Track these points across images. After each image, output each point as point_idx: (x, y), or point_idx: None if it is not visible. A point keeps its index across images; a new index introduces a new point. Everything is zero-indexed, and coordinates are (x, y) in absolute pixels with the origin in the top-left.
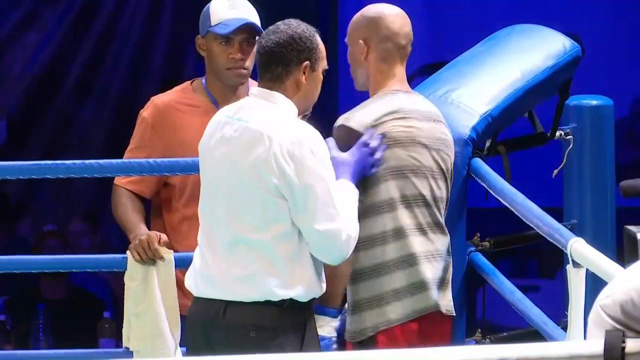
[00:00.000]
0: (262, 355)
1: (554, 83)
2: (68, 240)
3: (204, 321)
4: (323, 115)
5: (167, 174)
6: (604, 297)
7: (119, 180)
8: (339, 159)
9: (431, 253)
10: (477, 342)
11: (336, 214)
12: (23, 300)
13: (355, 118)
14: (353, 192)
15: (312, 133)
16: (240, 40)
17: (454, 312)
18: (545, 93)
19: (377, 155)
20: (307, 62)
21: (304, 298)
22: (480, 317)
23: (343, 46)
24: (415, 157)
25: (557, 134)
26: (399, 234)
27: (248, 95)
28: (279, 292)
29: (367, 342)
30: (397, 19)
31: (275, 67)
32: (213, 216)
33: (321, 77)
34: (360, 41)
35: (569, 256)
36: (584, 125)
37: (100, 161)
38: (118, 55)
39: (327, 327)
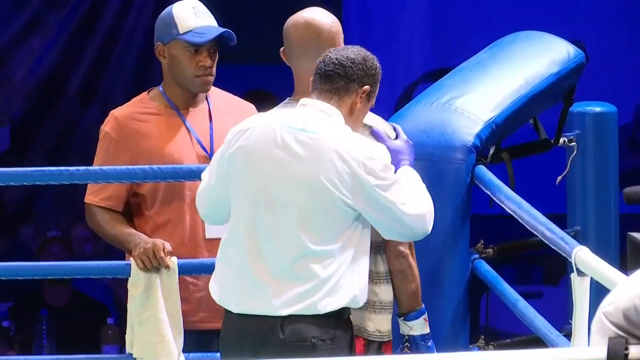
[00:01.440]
0: None
1: (558, 90)
2: (72, 246)
3: (255, 339)
4: None
5: (170, 180)
6: (607, 305)
7: (91, 199)
8: (393, 146)
9: None
10: (481, 349)
11: (414, 198)
12: (26, 306)
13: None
14: (415, 175)
15: (380, 147)
16: (209, 48)
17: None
18: (549, 100)
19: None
20: (369, 87)
21: (358, 304)
22: (483, 323)
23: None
24: None
25: (561, 140)
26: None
27: (207, 98)
28: (340, 302)
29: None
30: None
31: (339, 80)
32: (266, 228)
33: (368, 109)
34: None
35: (573, 265)
36: (588, 132)
37: (104, 167)
38: (121, 61)
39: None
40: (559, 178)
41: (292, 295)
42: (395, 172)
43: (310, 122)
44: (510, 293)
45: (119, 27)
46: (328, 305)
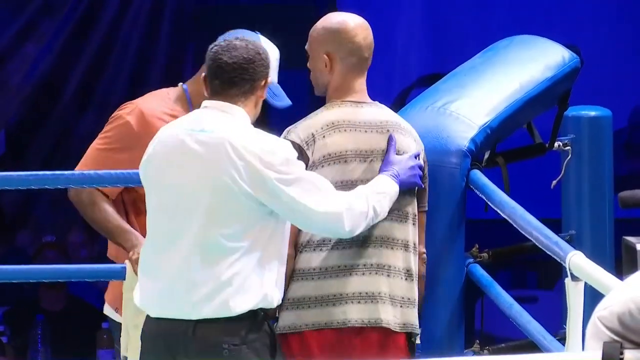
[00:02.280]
0: None
1: (552, 94)
2: (67, 251)
3: (169, 341)
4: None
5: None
6: (602, 309)
7: None
8: (390, 158)
9: (365, 266)
10: (475, 353)
11: (327, 195)
12: (22, 311)
13: (296, 131)
14: (382, 183)
15: (281, 142)
16: None
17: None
18: (544, 104)
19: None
20: (267, 77)
21: (271, 304)
22: (478, 328)
23: None
24: (356, 171)
25: (556, 144)
26: (337, 244)
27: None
28: (251, 302)
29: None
30: (360, 30)
31: (244, 83)
32: (177, 232)
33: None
34: (324, 55)
35: (567, 270)
36: (583, 136)
37: (100, 172)
38: (117, 66)
39: None
40: (554, 182)
41: (202, 296)
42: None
43: (209, 122)
44: (505, 297)
45: (114, 33)
46: (238, 305)
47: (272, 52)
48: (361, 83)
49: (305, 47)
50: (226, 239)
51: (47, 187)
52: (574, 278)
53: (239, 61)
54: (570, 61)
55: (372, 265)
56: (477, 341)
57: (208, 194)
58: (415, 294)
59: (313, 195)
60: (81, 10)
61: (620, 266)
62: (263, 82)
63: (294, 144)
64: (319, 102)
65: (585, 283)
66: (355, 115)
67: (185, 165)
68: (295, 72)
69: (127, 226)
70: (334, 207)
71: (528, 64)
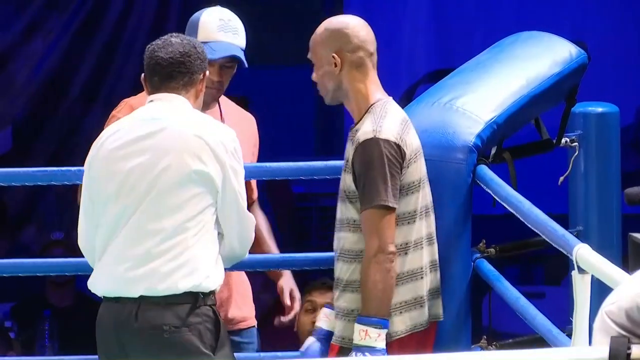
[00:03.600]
0: None
1: (560, 90)
2: (75, 248)
3: (117, 326)
4: (330, 120)
5: None
6: (609, 304)
7: None
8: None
9: (433, 264)
10: (483, 349)
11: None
12: (29, 306)
13: (384, 129)
14: None
15: (230, 130)
16: (222, 63)
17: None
18: (551, 100)
19: None
20: (206, 70)
21: (210, 287)
22: (486, 323)
23: None
24: (422, 167)
25: (563, 141)
26: (409, 247)
27: (218, 104)
28: (193, 282)
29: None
30: (362, 27)
31: (182, 76)
32: (122, 214)
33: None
34: (332, 55)
35: (574, 262)
36: (590, 133)
37: None
38: (123, 63)
39: (381, 339)
40: (561, 178)
41: (145, 271)
42: None
43: (162, 112)
44: (512, 293)
45: (120, 30)
46: (181, 282)
47: (217, 13)
48: (377, 78)
49: (308, 56)
50: (175, 220)
51: (53, 183)
52: (581, 271)
53: (175, 56)
54: (577, 57)
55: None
56: (485, 337)
57: (159, 176)
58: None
59: (244, 196)
60: (87, 7)
61: (627, 262)
62: (201, 76)
63: (389, 141)
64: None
65: (592, 276)
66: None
67: (136, 151)
68: (299, 69)
69: None
70: (251, 215)
71: (535, 60)
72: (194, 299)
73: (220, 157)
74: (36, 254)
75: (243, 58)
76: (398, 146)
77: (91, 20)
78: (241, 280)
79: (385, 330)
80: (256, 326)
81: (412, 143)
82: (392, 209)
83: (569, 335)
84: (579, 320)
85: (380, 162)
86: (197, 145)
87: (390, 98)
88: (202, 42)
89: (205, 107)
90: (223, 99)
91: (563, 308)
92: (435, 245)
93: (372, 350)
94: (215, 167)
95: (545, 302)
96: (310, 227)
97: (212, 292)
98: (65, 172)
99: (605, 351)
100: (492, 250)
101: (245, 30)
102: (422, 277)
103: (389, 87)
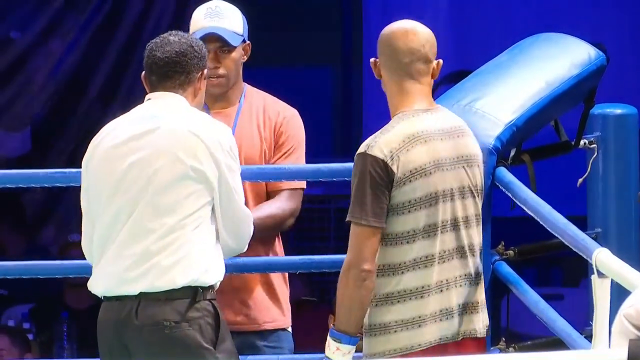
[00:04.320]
0: None
1: (578, 92)
2: None
3: (117, 324)
4: (348, 121)
5: None
6: (628, 307)
7: None
8: None
9: (454, 279)
10: (502, 351)
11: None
12: (47, 308)
13: (377, 145)
14: None
15: (227, 129)
16: (215, 49)
17: (479, 334)
18: (570, 102)
19: None
20: (204, 69)
21: (209, 282)
22: (504, 325)
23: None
24: (440, 182)
25: (582, 142)
26: (417, 264)
27: (240, 101)
28: (191, 276)
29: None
30: (401, 35)
31: (179, 76)
32: (121, 212)
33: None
34: (376, 60)
35: (593, 267)
36: (609, 134)
37: None
38: (141, 63)
39: (349, 356)
40: (580, 180)
41: (144, 269)
42: None
43: (159, 110)
44: (531, 294)
45: (139, 30)
46: (178, 276)
47: (207, 4)
48: (419, 89)
49: None
50: (173, 218)
51: (72, 184)
52: (600, 275)
53: (171, 55)
54: (596, 59)
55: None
56: (503, 339)
57: (155, 175)
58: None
59: (240, 193)
60: (106, 7)
61: None
62: (199, 74)
63: (377, 159)
64: (342, 100)
65: (612, 280)
66: (433, 123)
67: (132, 150)
68: (318, 70)
69: None
70: (248, 211)
71: (554, 61)
72: (193, 293)
73: (216, 155)
74: (55, 256)
75: (228, 38)
76: (385, 164)
77: (110, 21)
78: (270, 279)
79: (346, 347)
80: (289, 330)
81: (414, 161)
82: (371, 227)
83: (588, 337)
84: (599, 324)
85: (362, 179)
86: (193, 143)
87: (432, 109)
88: (192, 33)
89: (221, 100)
90: (251, 95)
91: (581, 310)
92: (453, 262)
93: None
94: (210, 165)
95: (563, 304)
96: (330, 229)
97: (212, 287)
98: None
99: (623, 354)
100: (511, 252)
101: (265, 31)
102: (421, 297)
103: None
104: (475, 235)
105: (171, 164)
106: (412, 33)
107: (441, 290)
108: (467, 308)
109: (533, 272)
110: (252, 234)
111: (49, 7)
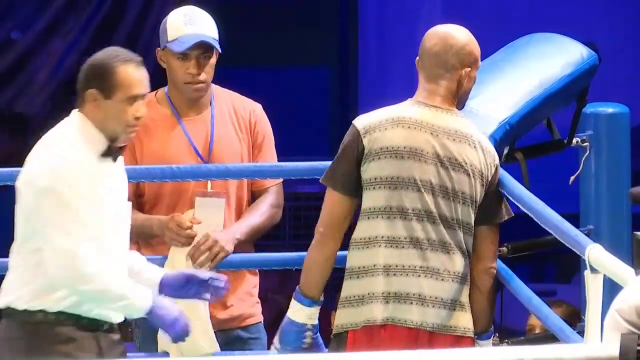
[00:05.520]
0: None
1: (571, 91)
2: None
3: None
4: (345, 120)
5: (189, 180)
6: (620, 302)
7: None
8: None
9: (413, 268)
10: (495, 346)
11: (73, 233)
12: None
13: (363, 119)
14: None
15: (65, 161)
16: (197, 55)
17: (448, 331)
18: (563, 101)
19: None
20: (95, 90)
21: (20, 307)
22: (498, 321)
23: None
24: (415, 170)
25: (574, 141)
26: (374, 242)
27: (211, 104)
28: (5, 299)
29: (339, 338)
30: (430, 38)
31: (78, 90)
32: None
33: (124, 106)
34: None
35: (586, 262)
36: (601, 133)
37: (125, 167)
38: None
39: (300, 313)
40: (572, 178)
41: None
42: None
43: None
44: (525, 291)
45: (138, 30)
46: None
47: (182, 10)
48: (434, 89)
49: None
50: (19, 243)
51: None
52: (593, 270)
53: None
54: (588, 58)
55: None
56: (497, 334)
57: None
58: None
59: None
60: (106, 7)
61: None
62: (89, 94)
63: (356, 130)
64: (339, 100)
65: (604, 275)
66: (421, 114)
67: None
68: (315, 70)
69: (145, 215)
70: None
71: (547, 61)
72: (24, 313)
73: (31, 187)
74: None
75: (214, 44)
76: (359, 136)
77: (110, 20)
78: (246, 277)
79: (299, 305)
80: (262, 322)
81: (387, 140)
82: (336, 192)
83: (580, 333)
84: (591, 319)
85: (342, 146)
86: (27, 170)
87: (432, 105)
88: (172, 41)
89: (193, 106)
90: (219, 96)
91: (574, 305)
92: (409, 250)
93: (288, 321)
94: (33, 195)
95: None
96: None
97: (26, 311)
98: None
99: (615, 348)
100: (505, 249)
101: (262, 31)
102: (372, 275)
103: (404, 85)
104: (452, 237)
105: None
106: (440, 38)
107: (394, 274)
108: (425, 300)
109: (526, 269)
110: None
111: (50, 7)
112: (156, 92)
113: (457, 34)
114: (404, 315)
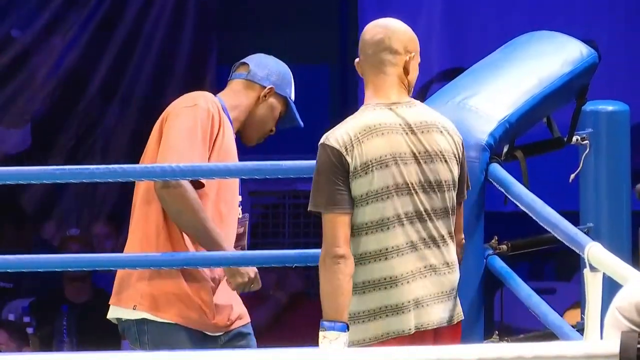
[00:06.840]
0: None
1: (571, 89)
2: (92, 243)
3: None
4: (344, 113)
5: (189, 179)
6: (620, 299)
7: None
8: None
9: (418, 271)
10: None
11: None
12: (47, 302)
13: (334, 136)
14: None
15: None
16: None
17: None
18: (563, 99)
19: None
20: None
21: None
22: (498, 319)
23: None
24: (398, 175)
25: (574, 139)
26: (379, 255)
27: None
28: None
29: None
30: (370, 29)
31: None
32: None
33: None
34: (356, 60)
35: (586, 261)
36: (600, 131)
37: (124, 166)
38: (142, 60)
39: (339, 340)
40: (572, 176)
41: None
42: None
43: None
44: (524, 289)
45: (139, 27)
46: None
47: (287, 72)
48: (384, 82)
49: None
50: None
51: (71, 181)
52: (593, 269)
53: None
54: (588, 56)
55: None
56: (497, 332)
57: None
58: None
59: None
60: (106, 5)
61: (636, 258)
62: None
63: (333, 149)
64: (340, 98)
65: (604, 274)
66: (395, 117)
67: None
68: (314, 68)
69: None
70: None
71: (547, 59)
72: None
73: None
74: (55, 250)
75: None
76: (340, 154)
77: (110, 17)
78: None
79: (331, 333)
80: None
81: (370, 152)
82: (335, 214)
83: (580, 331)
84: (591, 317)
85: (320, 168)
86: None
87: (398, 103)
88: (293, 101)
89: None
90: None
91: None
92: (420, 252)
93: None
94: None
95: (556, 298)
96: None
97: None
98: (83, 170)
99: (616, 345)
100: (504, 247)
101: (262, 30)
102: (396, 286)
103: None
104: (443, 227)
105: None
106: (380, 27)
107: (408, 282)
108: (433, 298)
109: (526, 267)
110: None
111: (50, 4)
112: (212, 98)
113: (396, 23)
114: (426, 319)
